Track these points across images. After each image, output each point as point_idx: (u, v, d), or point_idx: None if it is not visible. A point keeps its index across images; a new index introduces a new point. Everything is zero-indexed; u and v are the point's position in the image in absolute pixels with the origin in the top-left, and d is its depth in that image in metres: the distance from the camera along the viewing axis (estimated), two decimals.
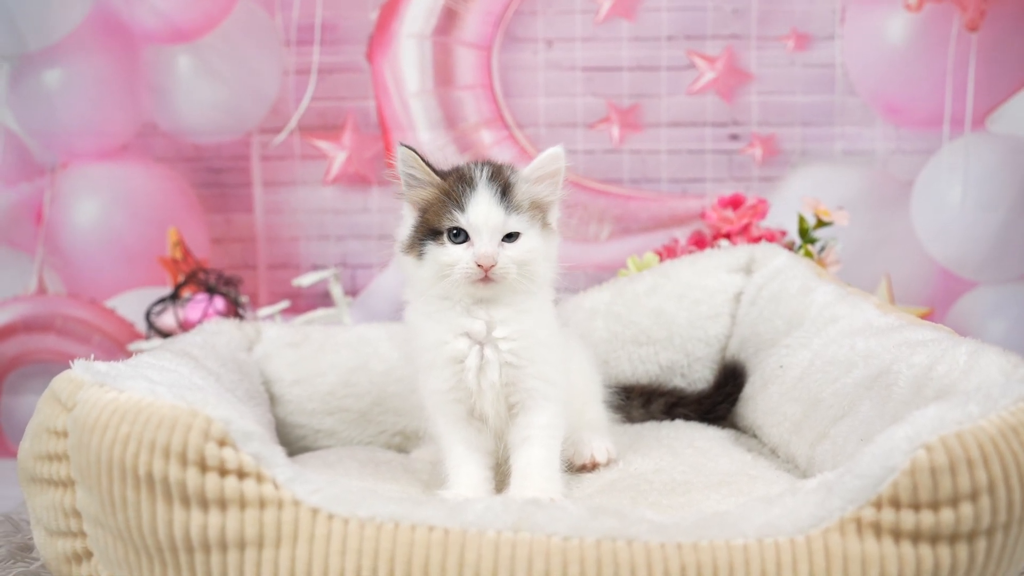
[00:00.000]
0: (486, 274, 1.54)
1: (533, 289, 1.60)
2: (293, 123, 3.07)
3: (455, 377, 1.61)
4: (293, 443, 2.22)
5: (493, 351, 1.60)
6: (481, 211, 1.55)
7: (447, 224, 1.56)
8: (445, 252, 1.56)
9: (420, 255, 1.59)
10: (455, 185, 1.58)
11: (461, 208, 1.56)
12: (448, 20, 3.05)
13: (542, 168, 1.61)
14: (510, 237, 1.57)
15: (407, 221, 1.65)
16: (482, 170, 1.59)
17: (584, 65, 3.07)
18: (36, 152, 3.03)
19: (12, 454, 2.97)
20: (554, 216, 1.66)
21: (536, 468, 1.58)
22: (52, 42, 2.96)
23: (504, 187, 1.58)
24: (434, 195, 1.60)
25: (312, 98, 3.06)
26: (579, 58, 3.07)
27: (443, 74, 3.07)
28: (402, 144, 1.61)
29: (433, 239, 1.58)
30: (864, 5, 3.02)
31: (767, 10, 3.03)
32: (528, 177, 1.60)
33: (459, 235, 1.57)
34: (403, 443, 2.23)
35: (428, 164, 1.61)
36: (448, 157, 3.03)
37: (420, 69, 3.06)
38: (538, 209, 1.62)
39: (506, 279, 1.55)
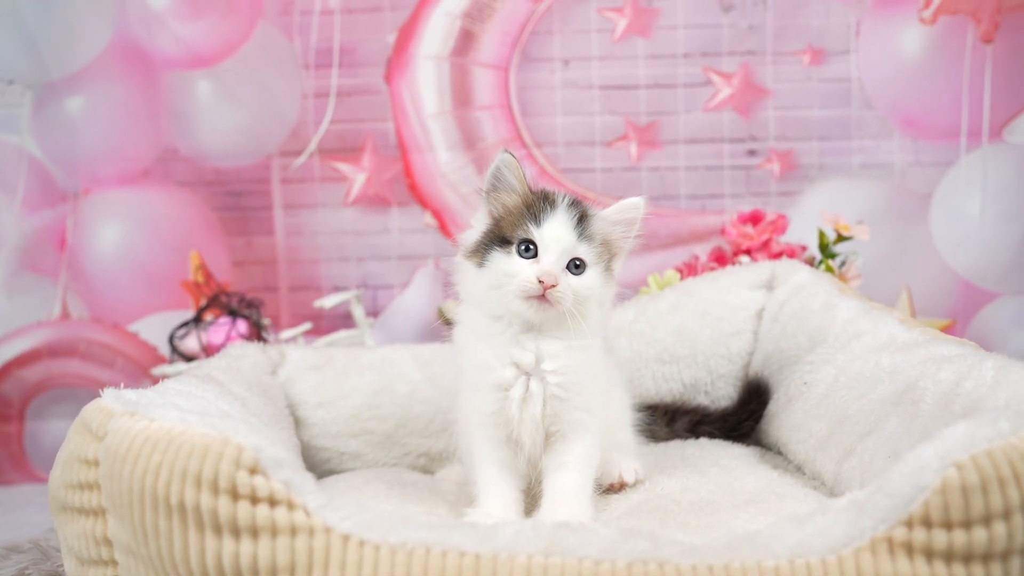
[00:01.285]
0: (544, 293, 1.52)
1: (582, 329, 1.56)
2: (313, 146, 3.09)
3: (498, 403, 1.61)
4: (318, 466, 2.22)
5: (539, 383, 1.59)
6: (556, 229, 1.55)
7: (520, 235, 1.56)
8: (510, 261, 1.56)
9: (482, 262, 1.58)
10: (537, 200, 1.59)
11: (537, 223, 1.56)
12: (465, 41, 3.07)
13: (620, 213, 1.62)
14: (576, 269, 1.57)
15: (477, 228, 1.64)
16: (564, 196, 1.60)
17: (601, 83, 3.07)
18: (59, 178, 3.06)
19: (37, 479, 2.99)
20: (618, 266, 1.66)
21: (569, 493, 1.57)
22: (74, 70, 3.00)
23: (581, 216, 1.58)
24: (515, 204, 1.60)
25: (331, 121, 3.08)
26: (596, 77, 3.07)
27: (461, 95, 3.08)
28: (505, 150, 1.62)
29: (500, 247, 1.57)
30: (879, 19, 3.02)
31: (782, 26, 3.03)
32: (606, 217, 1.62)
33: (528, 250, 1.55)
34: (428, 464, 2.23)
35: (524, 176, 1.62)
36: (467, 177, 3.05)
37: (438, 90, 3.08)
38: (607, 250, 1.62)
39: (560, 304, 1.53)
